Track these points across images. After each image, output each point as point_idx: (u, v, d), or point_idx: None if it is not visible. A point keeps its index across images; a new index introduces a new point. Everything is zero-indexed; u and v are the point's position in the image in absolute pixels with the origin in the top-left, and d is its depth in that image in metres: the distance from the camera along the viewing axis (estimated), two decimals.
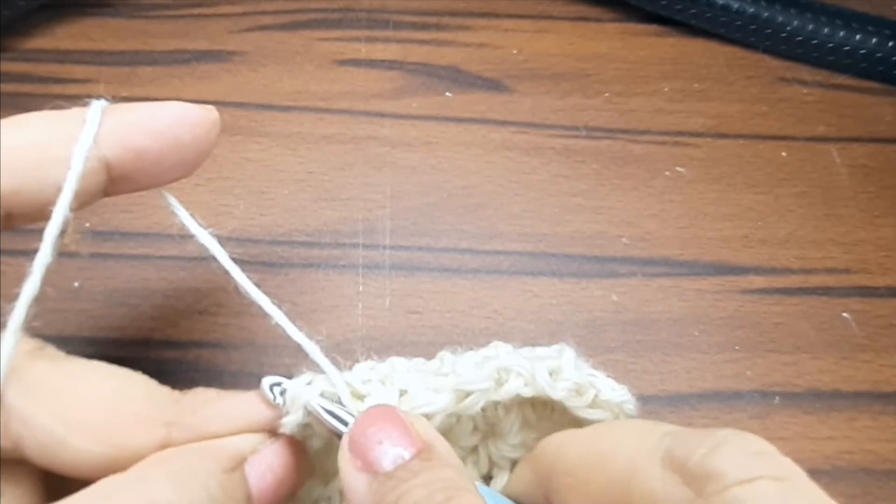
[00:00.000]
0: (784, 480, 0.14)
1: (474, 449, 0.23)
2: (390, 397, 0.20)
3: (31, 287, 0.19)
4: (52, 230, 0.19)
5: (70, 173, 0.19)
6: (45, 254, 0.19)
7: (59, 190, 0.19)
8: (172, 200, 0.22)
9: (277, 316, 0.21)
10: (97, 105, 0.20)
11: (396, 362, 0.22)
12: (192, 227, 0.22)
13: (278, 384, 0.20)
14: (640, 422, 0.19)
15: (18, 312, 0.19)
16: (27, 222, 0.20)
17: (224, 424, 0.20)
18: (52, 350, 0.20)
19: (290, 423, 0.20)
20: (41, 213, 0.19)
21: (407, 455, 0.18)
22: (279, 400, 0.20)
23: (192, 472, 0.18)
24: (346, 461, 0.18)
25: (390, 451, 0.18)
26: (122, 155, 0.20)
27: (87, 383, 0.19)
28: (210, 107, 0.21)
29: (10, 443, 0.18)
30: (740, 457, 0.15)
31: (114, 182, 0.20)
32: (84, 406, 0.19)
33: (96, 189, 0.20)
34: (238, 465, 0.19)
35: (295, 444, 0.20)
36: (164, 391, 0.20)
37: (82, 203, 0.20)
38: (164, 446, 0.19)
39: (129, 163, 0.20)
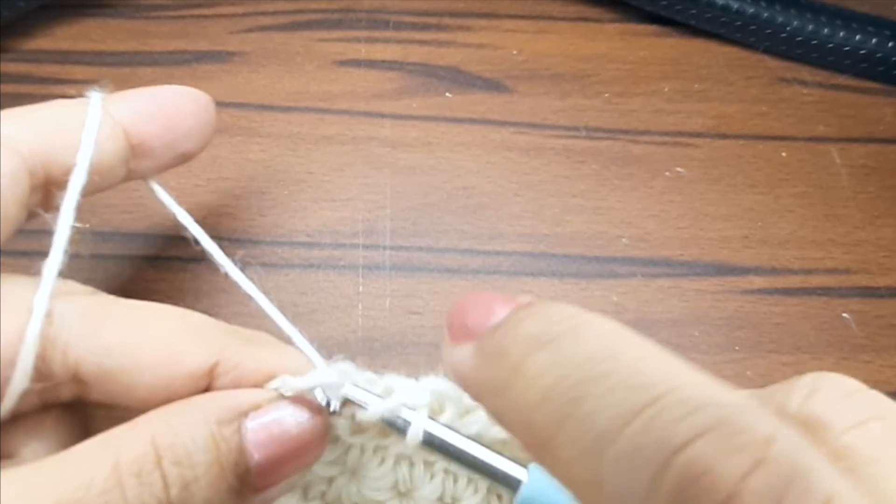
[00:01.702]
0: (885, 418, 0.15)
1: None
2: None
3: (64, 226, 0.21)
4: (77, 181, 0.21)
5: (86, 131, 0.21)
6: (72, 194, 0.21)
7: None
8: (158, 188, 0.24)
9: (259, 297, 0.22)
10: (97, 93, 0.23)
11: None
12: (186, 220, 0.23)
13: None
14: None
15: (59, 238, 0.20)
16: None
17: (264, 367, 0.20)
18: (108, 295, 0.21)
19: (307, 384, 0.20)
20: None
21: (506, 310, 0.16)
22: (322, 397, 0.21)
23: (183, 419, 0.19)
24: (447, 347, 0.17)
25: (492, 310, 0.16)
26: (135, 119, 0.23)
27: (145, 314, 0.20)
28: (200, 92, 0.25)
29: (67, 372, 0.19)
30: (839, 401, 0.15)
31: (135, 152, 0.23)
32: (142, 333, 0.20)
33: (120, 155, 0.22)
34: (235, 418, 0.19)
35: (311, 413, 0.20)
36: (221, 324, 0.21)
37: (111, 173, 0.22)
38: (213, 373, 0.20)
39: (143, 127, 0.23)
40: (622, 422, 0.13)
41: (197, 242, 0.23)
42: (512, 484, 0.20)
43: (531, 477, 0.20)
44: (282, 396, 0.20)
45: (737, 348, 0.29)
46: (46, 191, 0.21)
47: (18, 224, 0.21)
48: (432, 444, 0.20)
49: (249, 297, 0.23)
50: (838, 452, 0.14)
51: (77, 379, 0.19)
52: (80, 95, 0.23)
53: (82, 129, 0.21)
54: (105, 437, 0.18)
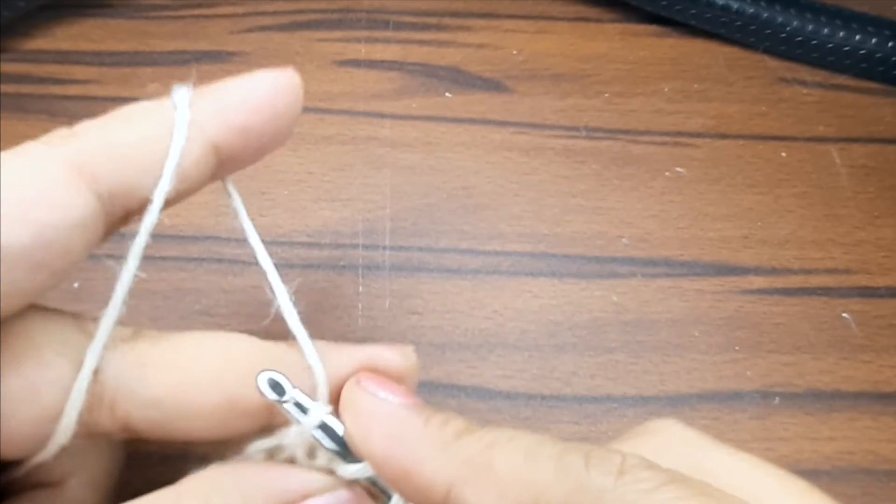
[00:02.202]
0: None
1: None
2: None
3: (127, 275, 0.20)
4: (151, 216, 0.19)
5: (167, 162, 0.19)
6: (142, 239, 0.20)
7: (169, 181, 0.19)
8: (233, 190, 0.22)
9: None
10: (183, 93, 0.19)
11: None
12: (245, 220, 0.22)
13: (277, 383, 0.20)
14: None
15: (117, 298, 0.19)
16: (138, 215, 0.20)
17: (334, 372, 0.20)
18: (148, 331, 0.20)
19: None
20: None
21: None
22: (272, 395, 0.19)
23: (222, 500, 0.18)
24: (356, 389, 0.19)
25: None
26: (228, 136, 0.20)
27: (192, 352, 0.19)
28: (290, 70, 0.21)
29: (117, 426, 0.19)
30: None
31: (222, 164, 0.20)
32: (191, 379, 0.19)
33: (207, 173, 0.20)
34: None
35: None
36: (270, 344, 0.20)
37: (194, 187, 0.20)
38: (271, 408, 0.19)
39: (235, 142, 0.20)
40: None
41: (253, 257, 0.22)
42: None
43: None
44: (337, 483, 0.19)
45: (737, 348, 0.29)
46: (124, 220, 0.20)
47: (73, 269, 0.19)
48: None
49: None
50: None
51: (127, 429, 0.19)
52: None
53: (167, 152, 0.19)
54: (169, 494, 0.18)
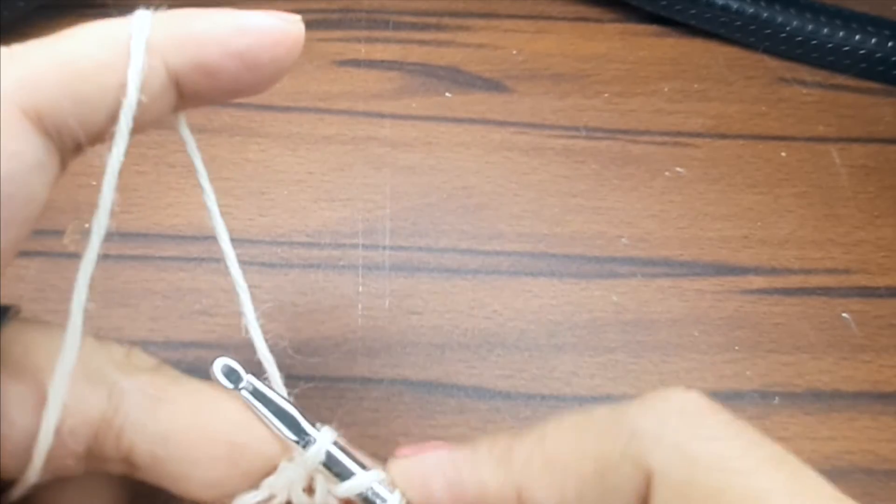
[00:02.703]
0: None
1: None
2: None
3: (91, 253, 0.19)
4: (114, 162, 0.17)
5: (126, 100, 0.16)
6: (108, 190, 0.18)
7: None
8: (186, 131, 0.19)
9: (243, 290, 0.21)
10: (142, 16, 0.17)
11: None
12: (198, 162, 0.21)
13: (235, 371, 0.20)
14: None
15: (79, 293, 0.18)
16: (91, 145, 0.17)
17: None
18: (170, 369, 0.19)
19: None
20: (101, 136, 0.17)
21: None
22: (228, 383, 0.19)
23: None
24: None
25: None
26: (193, 74, 0.17)
27: (207, 400, 0.19)
28: (295, 17, 0.18)
29: (119, 456, 0.18)
30: None
31: (183, 99, 0.18)
32: (201, 424, 0.19)
33: (165, 109, 0.18)
34: None
35: None
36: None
37: (148, 122, 0.17)
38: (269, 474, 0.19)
39: (202, 82, 0.17)
40: None
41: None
42: None
43: None
44: None
45: (736, 348, 0.29)
46: (78, 151, 0.17)
47: (38, 214, 0.17)
48: None
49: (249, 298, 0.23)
50: None
51: (128, 462, 0.18)
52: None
53: (120, 82, 0.16)
54: None
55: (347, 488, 0.19)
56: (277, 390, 0.20)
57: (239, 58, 0.17)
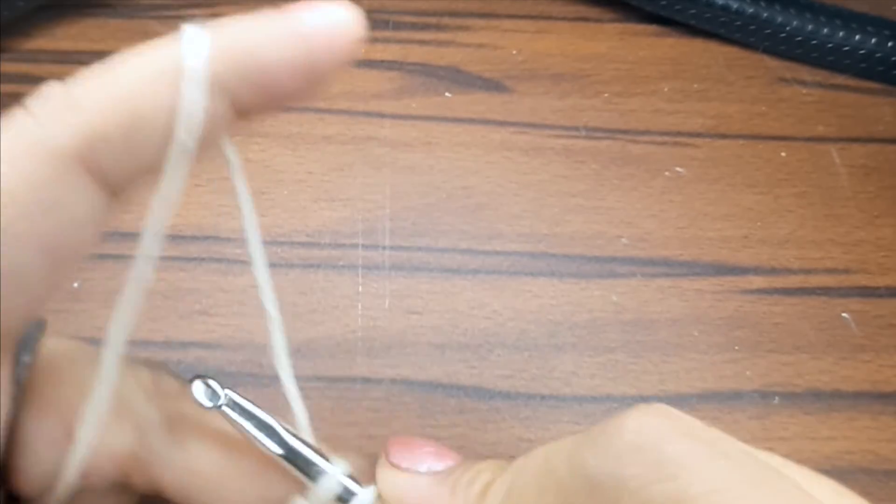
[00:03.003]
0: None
1: None
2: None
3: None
4: (164, 198, 0.16)
5: (176, 138, 0.15)
6: (158, 223, 0.16)
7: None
8: (233, 156, 0.18)
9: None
10: (193, 35, 0.16)
11: None
12: (241, 185, 0.19)
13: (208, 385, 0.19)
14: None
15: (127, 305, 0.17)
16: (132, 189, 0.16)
17: None
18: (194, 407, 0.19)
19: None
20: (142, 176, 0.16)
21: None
22: (207, 402, 0.19)
23: None
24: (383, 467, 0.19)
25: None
26: (250, 94, 0.16)
27: (237, 446, 0.19)
28: (350, 7, 0.16)
29: (145, 485, 0.18)
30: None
31: (236, 118, 0.16)
32: (230, 457, 0.19)
33: (219, 132, 0.16)
34: None
35: None
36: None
37: (205, 149, 0.16)
38: None
39: (257, 99, 0.16)
40: None
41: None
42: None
43: None
44: None
45: (736, 348, 0.29)
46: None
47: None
48: None
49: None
50: None
51: (154, 490, 0.19)
52: None
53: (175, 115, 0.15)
54: None
55: None
56: (303, 435, 0.19)
57: (300, 69, 0.15)
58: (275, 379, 0.20)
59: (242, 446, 0.19)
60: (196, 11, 0.37)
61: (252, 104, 0.16)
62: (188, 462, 0.18)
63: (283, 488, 0.19)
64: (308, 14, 0.15)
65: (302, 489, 0.19)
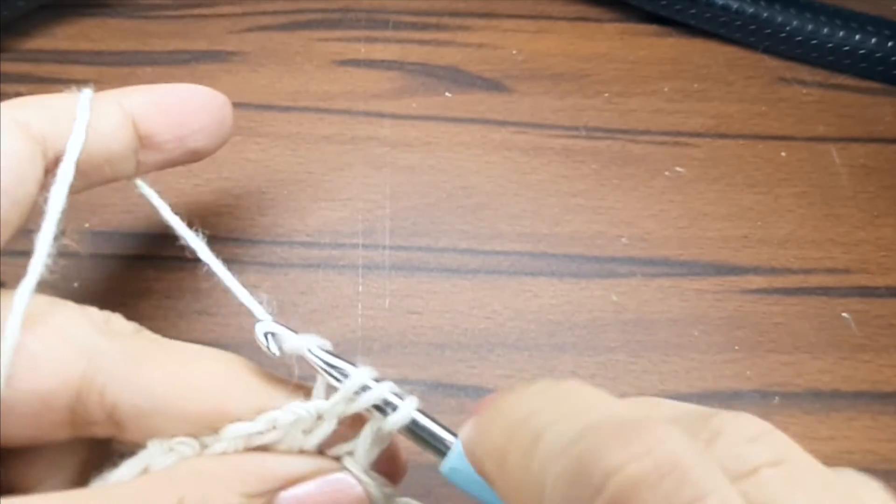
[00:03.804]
0: (781, 464, 0.14)
1: None
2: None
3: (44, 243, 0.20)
4: (65, 172, 0.21)
5: (77, 119, 0.21)
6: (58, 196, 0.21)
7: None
8: (146, 189, 0.24)
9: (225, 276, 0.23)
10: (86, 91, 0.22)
11: None
12: (167, 214, 0.23)
13: (273, 333, 0.20)
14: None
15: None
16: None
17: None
18: (151, 333, 0.21)
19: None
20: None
21: None
22: (273, 348, 0.20)
23: (215, 484, 0.18)
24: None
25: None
26: (145, 109, 0.23)
27: (190, 356, 0.20)
28: (220, 95, 0.25)
29: (103, 412, 0.19)
30: (737, 447, 0.15)
31: (144, 145, 0.23)
32: (185, 376, 0.19)
33: (125, 141, 0.22)
34: (269, 490, 0.19)
35: (354, 496, 0.20)
36: (269, 375, 0.20)
37: (121, 163, 0.23)
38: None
39: (152, 119, 0.23)
40: (568, 443, 0.14)
41: (186, 244, 0.23)
42: (440, 448, 0.20)
43: (459, 447, 0.19)
44: (326, 471, 0.19)
45: (736, 348, 0.29)
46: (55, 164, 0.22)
47: (33, 204, 0.21)
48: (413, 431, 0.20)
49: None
50: None
51: (113, 420, 0.19)
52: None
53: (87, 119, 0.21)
54: (140, 484, 0.18)
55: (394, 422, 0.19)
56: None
57: (178, 100, 0.24)
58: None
59: (199, 371, 0.19)
60: (195, 11, 0.37)
61: (158, 131, 0.23)
62: (143, 384, 0.19)
63: (241, 410, 0.19)
64: (190, 85, 0.24)
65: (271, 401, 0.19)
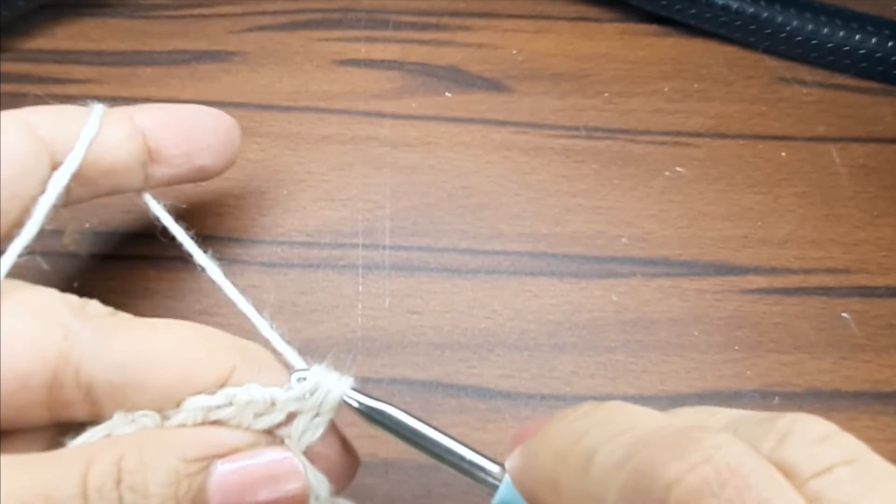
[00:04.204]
0: (854, 462, 0.15)
1: None
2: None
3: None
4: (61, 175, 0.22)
5: (85, 128, 0.23)
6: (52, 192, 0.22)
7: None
8: (153, 203, 0.25)
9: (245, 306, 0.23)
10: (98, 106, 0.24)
11: None
12: (170, 224, 0.24)
13: (303, 378, 0.21)
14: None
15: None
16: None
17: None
18: (125, 314, 0.21)
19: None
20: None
21: None
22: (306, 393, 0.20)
23: (153, 448, 0.18)
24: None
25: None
26: (151, 122, 0.24)
27: (159, 329, 0.20)
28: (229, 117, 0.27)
29: (79, 391, 0.19)
30: (809, 446, 0.15)
31: (153, 159, 0.24)
32: (154, 348, 0.20)
33: (139, 159, 0.24)
34: (207, 457, 0.19)
35: (292, 468, 0.20)
36: (238, 341, 0.21)
37: (129, 175, 0.24)
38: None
39: (161, 133, 0.24)
40: (623, 458, 0.15)
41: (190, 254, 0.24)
42: (488, 482, 0.20)
43: (507, 480, 0.20)
44: (265, 444, 0.20)
45: (736, 348, 0.29)
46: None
47: (33, 200, 0.22)
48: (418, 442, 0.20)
49: (250, 297, 0.23)
50: (807, 498, 0.14)
51: (90, 398, 0.19)
52: (80, 96, 0.23)
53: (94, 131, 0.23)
54: (84, 447, 0.19)
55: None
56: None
57: (186, 117, 0.25)
58: None
59: (168, 342, 0.20)
60: (195, 11, 0.37)
61: (166, 146, 0.24)
62: (115, 359, 0.19)
63: (205, 381, 0.20)
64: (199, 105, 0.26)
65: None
